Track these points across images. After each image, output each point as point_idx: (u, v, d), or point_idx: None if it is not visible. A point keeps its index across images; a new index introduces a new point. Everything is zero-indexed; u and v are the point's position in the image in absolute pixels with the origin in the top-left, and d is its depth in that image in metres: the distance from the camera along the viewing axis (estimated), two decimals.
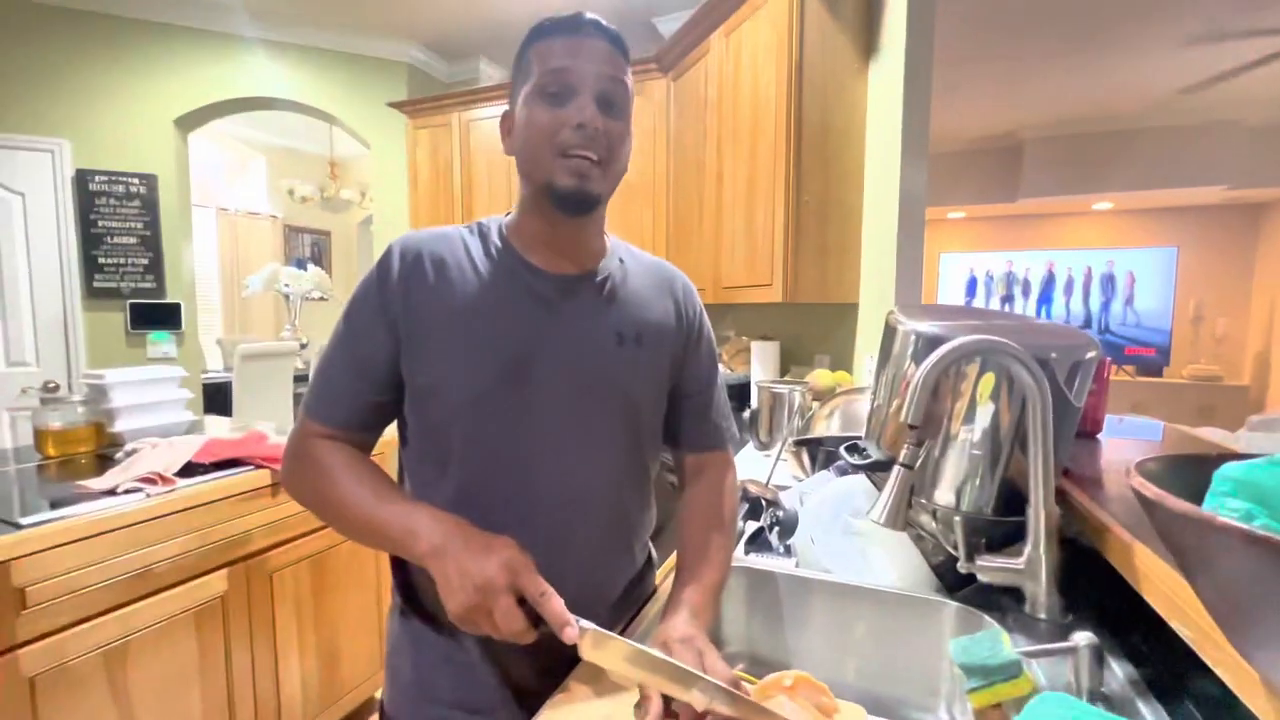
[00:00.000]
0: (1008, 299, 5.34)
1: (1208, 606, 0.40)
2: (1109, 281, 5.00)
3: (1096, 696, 0.57)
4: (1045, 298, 5.23)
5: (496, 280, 0.70)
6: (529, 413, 0.68)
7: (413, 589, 0.75)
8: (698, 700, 0.52)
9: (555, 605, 0.54)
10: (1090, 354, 0.75)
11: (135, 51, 3.11)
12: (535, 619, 0.54)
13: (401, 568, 0.76)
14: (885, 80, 1.89)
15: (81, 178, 3.04)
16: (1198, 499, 0.40)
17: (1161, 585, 0.52)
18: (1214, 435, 2.32)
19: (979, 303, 5.41)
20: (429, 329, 0.67)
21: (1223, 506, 0.39)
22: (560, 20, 0.68)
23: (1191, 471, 0.44)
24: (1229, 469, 0.40)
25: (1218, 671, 0.44)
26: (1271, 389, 4.64)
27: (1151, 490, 0.38)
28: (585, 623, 0.54)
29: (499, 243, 0.72)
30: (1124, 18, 2.82)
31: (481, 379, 0.67)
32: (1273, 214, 4.70)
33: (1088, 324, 5.07)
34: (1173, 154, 4.26)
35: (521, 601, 0.55)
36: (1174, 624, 0.50)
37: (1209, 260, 4.95)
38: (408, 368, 0.68)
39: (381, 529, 0.62)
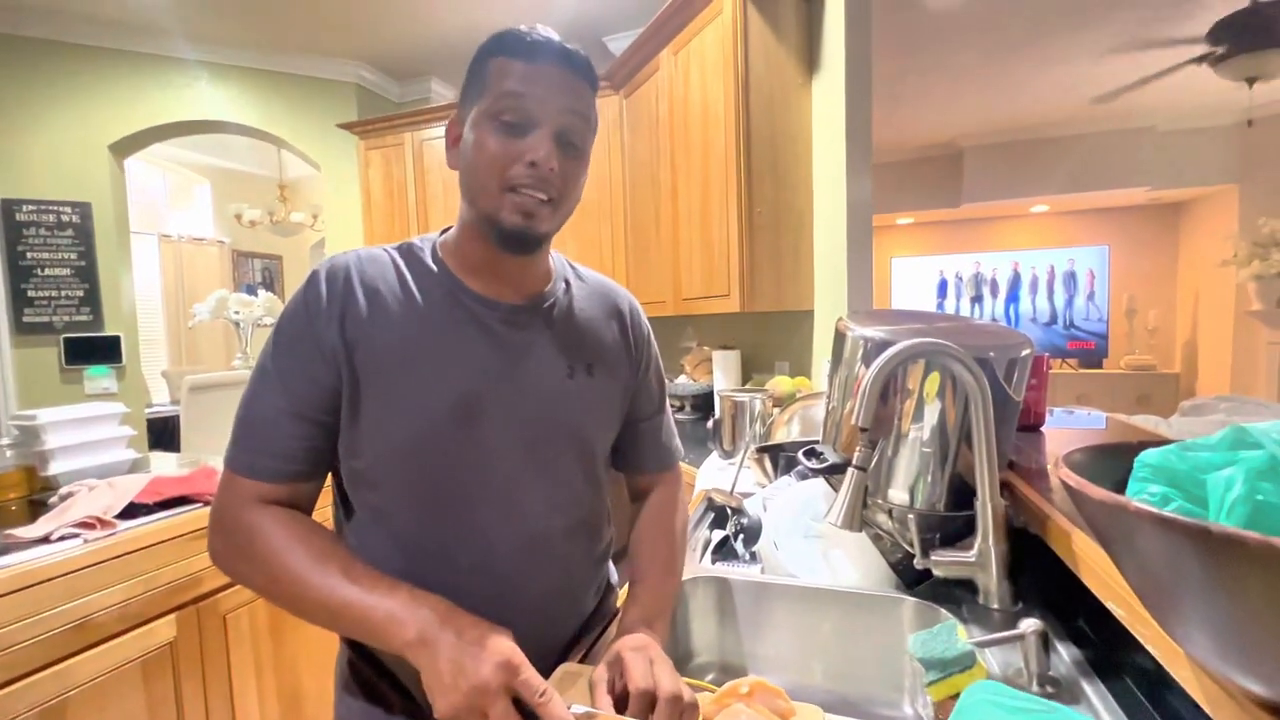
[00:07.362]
0: (977, 299, 5.54)
1: (1133, 587, 0.42)
2: (1071, 279, 5.27)
3: (1045, 680, 0.60)
4: (1013, 296, 5.46)
5: (437, 309, 0.64)
6: (479, 455, 0.64)
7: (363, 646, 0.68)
8: None
9: (556, 708, 0.51)
10: (1025, 351, 0.78)
11: (67, 76, 2.97)
12: (527, 714, 0.52)
13: None
14: (828, 95, 1.97)
15: (8, 208, 2.88)
16: (1122, 485, 0.43)
17: (1097, 569, 0.55)
18: (1149, 422, 2.45)
19: (949, 303, 5.60)
20: (367, 365, 0.61)
21: (1143, 491, 0.41)
22: (526, 40, 0.61)
23: (1116, 460, 0.46)
24: (1146, 456, 0.43)
25: (1149, 648, 0.47)
26: (1200, 375, 4.93)
27: (1074, 480, 0.40)
28: (577, 707, 0.53)
29: (434, 266, 0.67)
30: (1052, 29, 3.00)
31: (427, 420, 0.61)
32: (1190, 212, 5.04)
33: (1054, 320, 5.32)
34: (1098, 159, 4.53)
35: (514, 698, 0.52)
36: (1109, 605, 0.53)
37: (1138, 257, 5.26)
38: (347, 409, 0.62)
39: (355, 615, 0.55)
